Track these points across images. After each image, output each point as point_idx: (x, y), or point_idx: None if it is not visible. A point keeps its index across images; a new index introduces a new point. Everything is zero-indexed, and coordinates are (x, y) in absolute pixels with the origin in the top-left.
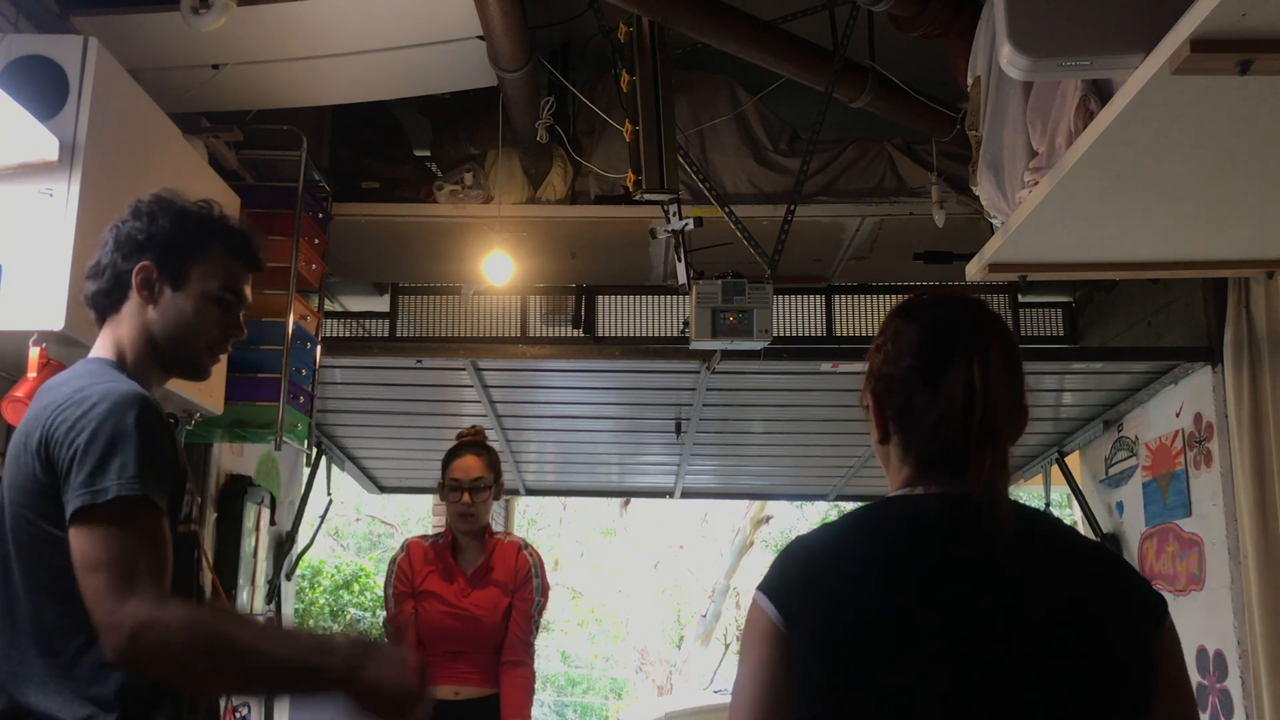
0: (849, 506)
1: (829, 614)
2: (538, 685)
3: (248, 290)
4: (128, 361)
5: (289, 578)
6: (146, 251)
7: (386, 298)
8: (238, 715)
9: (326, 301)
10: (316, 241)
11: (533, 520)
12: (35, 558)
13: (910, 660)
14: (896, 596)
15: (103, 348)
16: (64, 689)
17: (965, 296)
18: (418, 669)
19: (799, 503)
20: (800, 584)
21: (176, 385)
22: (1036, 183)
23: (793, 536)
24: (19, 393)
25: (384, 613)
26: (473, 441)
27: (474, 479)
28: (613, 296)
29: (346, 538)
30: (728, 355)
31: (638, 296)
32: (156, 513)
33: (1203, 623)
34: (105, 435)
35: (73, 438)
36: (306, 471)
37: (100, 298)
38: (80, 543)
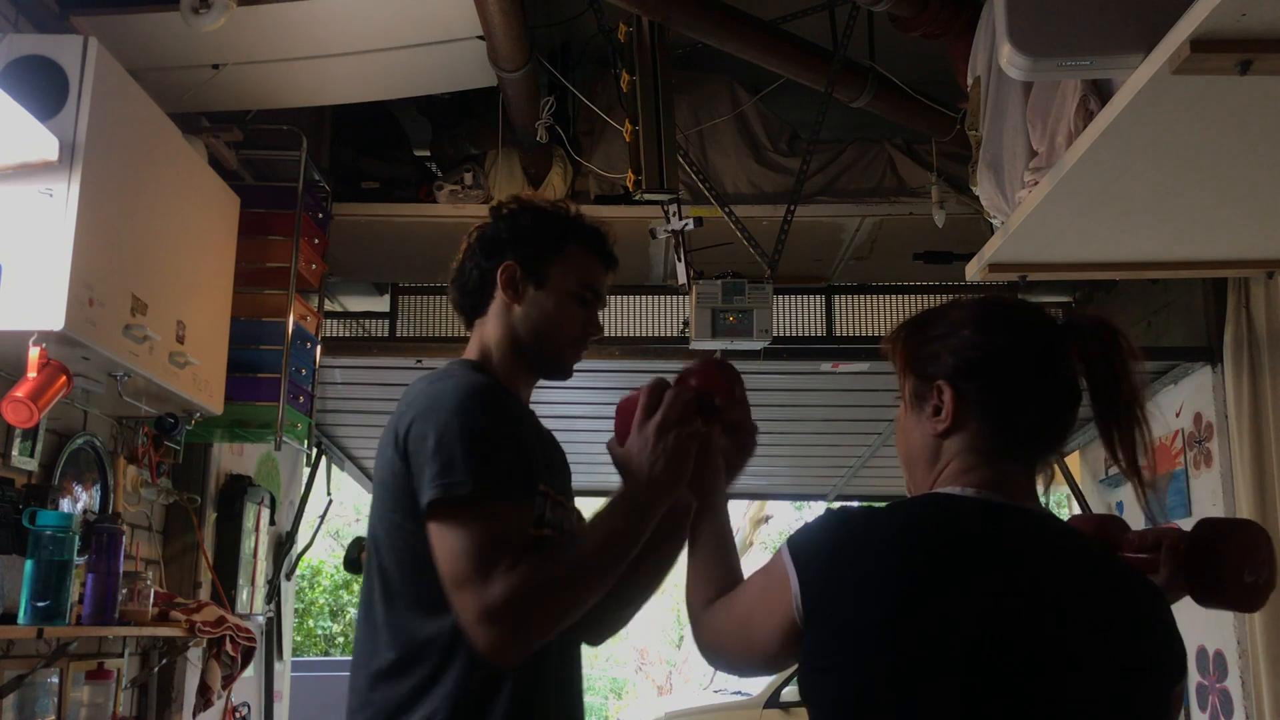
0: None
1: (846, 607)
2: None
3: (604, 288)
4: (494, 362)
5: (289, 578)
6: (509, 251)
7: (386, 298)
8: (237, 715)
9: (326, 301)
10: (316, 241)
11: None
12: (393, 553)
13: (925, 674)
14: (919, 606)
15: (470, 350)
16: (410, 689)
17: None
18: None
19: (798, 503)
20: (827, 566)
21: (177, 385)
22: (1036, 183)
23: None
24: (19, 393)
25: None
26: None
27: None
28: (613, 296)
29: (346, 538)
30: (727, 355)
31: (638, 296)
32: (515, 502)
33: (1203, 623)
34: (456, 428)
35: (425, 430)
36: (306, 471)
37: (467, 300)
38: (438, 540)
